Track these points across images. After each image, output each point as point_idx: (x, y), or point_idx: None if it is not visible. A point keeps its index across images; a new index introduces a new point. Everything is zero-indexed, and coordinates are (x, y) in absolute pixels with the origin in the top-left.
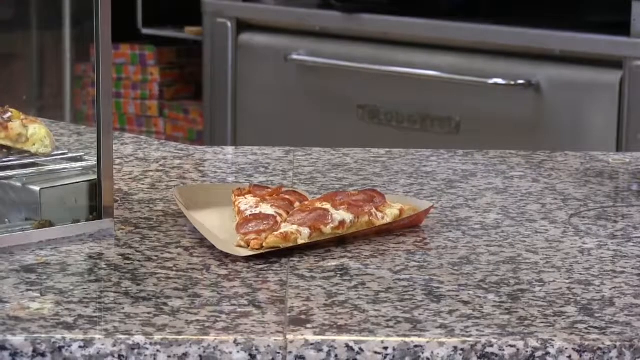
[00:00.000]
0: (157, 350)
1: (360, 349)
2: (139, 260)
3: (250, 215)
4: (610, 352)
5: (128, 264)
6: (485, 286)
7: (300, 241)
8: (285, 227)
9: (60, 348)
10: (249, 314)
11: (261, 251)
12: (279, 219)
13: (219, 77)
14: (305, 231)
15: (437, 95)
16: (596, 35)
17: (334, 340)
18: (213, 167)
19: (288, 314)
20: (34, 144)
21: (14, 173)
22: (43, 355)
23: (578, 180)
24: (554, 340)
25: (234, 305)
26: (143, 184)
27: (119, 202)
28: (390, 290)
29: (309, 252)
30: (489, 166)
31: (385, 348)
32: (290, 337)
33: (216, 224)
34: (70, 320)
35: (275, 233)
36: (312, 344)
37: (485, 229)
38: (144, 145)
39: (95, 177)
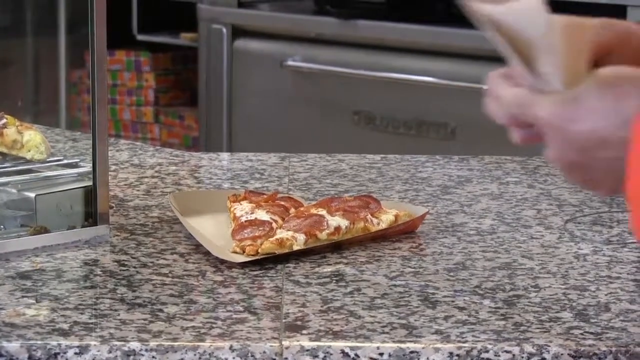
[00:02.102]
0: (153, 357)
1: (356, 354)
2: (134, 267)
3: (245, 221)
4: (605, 357)
5: (123, 270)
6: (480, 292)
7: (296, 247)
8: (281, 233)
9: (55, 354)
10: (245, 320)
11: (256, 257)
12: (274, 225)
13: (215, 83)
14: (301, 237)
15: (433, 101)
16: None
17: (329, 346)
18: (208, 173)
19: (284, 320)
20: (29, 151)
21: (9, 179)
22: None
23: (573, 186)
24: (549, 346)
25: (230, 311)
26: (138, 190)
27: (115, 208)
28: (385, 296)
29: (305, 258)
30: (485, 172)
31: (381, 354)
32: (285, 343)
33: (212, 230)
34: (65, 326)
35: (271, 239)
36: (307, 350)
37: (481, 234)
38: (139, 152)
39: (90, 183)
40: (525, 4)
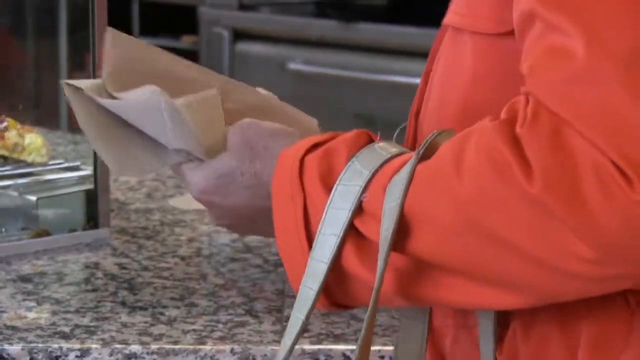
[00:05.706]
0: None
1: None
2: (135, 270)
3: None
4: None
5: (125, 273)
6: None
7: None
8: None
9: (57, 357)
10: (246, 323)
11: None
12: None
13: None
14: None
15: None
16: None
17: (330, 349)
18: None
19: (285, 323)
20: (31, 154)
21: (11, 182)
22: None
23: None
24: None
25: (231, 314)
26: (139, 194)
27: (116, 211)
28: None
29: None
30: None
31: (382, 357)
32: None
33: None
34: (67, 329)
35: None
36: (308, 353)
37: None
38: None
39: (91, 186)
40: (140, 94)
